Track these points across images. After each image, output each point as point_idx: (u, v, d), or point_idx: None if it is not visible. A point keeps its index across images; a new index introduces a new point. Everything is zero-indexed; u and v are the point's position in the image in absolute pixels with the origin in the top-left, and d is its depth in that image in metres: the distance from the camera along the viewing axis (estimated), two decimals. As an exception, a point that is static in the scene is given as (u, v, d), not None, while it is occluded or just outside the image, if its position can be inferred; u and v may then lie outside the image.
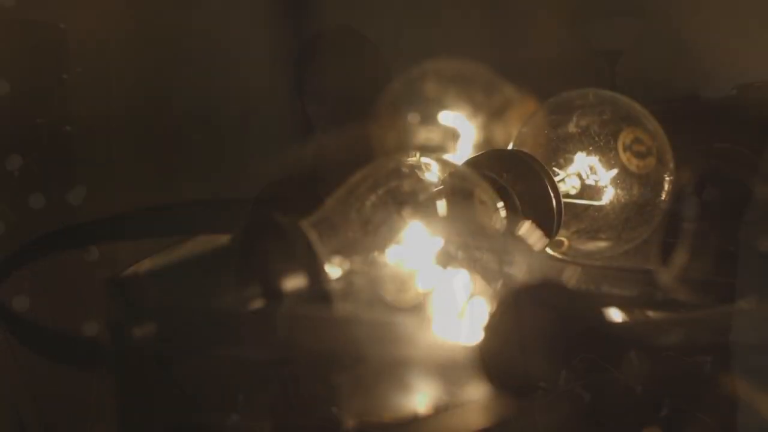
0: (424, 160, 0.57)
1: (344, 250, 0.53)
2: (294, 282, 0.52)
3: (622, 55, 0.85)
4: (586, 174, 0.63)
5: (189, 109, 1.12)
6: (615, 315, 0.59)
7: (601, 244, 0.63)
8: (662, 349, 0.53)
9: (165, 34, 1.15)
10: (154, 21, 1.14)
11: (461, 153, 0.76)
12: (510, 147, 0.65)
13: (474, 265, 0.55)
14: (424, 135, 0.77)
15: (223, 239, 0.55)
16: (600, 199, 0.63)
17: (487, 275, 0.54)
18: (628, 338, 0.53)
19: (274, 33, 1.16)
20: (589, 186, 0.63)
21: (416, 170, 0.56)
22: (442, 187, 0.56)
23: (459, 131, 0.77)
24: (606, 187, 0.63)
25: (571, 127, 0.63)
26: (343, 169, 0.57)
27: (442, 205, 0.55)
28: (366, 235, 0.54)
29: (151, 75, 1.13)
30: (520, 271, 0.54)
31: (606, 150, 0.63)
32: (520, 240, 0.56)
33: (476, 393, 0.52)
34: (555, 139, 0.63)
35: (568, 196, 0.62)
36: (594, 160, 0.63)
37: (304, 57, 1.08)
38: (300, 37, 1.16)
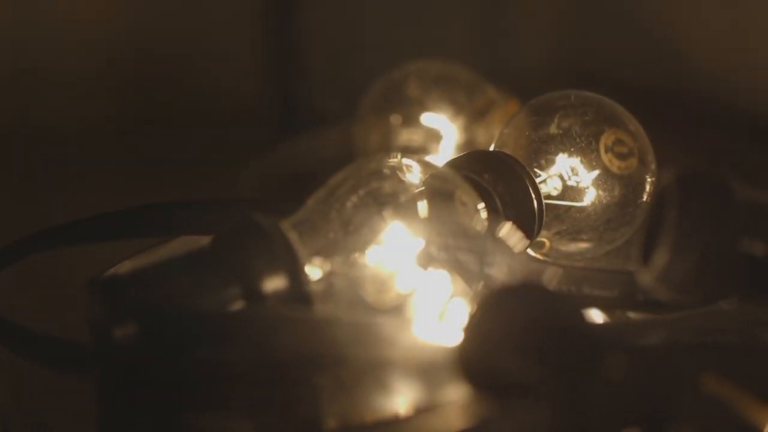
0: (406, 161, 0.57)
1: (325, 251, 0.53)
2: (274, 283, 0.52)
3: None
4: (568, 175, 0.63)
5: (173, 109, 1.12)
6: (596, 316, 0.59)
7: (583, 246, 0.64)
8: (644, 350, 0.53)
9: (152, 34, 1.15)
10: (139, 20, 1.14)
11: (443, 154, 0.76)
12: (491, 148, 0.65)
13: (455, 266, 0.55)
14: (406, 136, 0.77)
15: (205, 240, 0.55)
16: (581, 200, 0.63)
17: (467, 276, 0.54)
18: (609, 339, 0.53)
19: (263, 30, 1.17)
20: (571, 187, 0.63)
21: (397, 171, 0.56)
22: (423, 188, 0.56)
23: (441, 132, 0.77)
24: (587, 188, 0.63)
25: (553, 129, 0.63)
26: (326, 169, 0.57)
27: (423, 207, 0.55)
28: (346, 236, 0.54)
29: (139, 74, 1.13)
30: (500, 272, 0.54)
31: (588, 151, 0.63)
32: (501, 241, 0.56)
33: (457, 394, 0.52)
34: (536, 141, 0.63)
35: (549, 197, 0.62)
36: (575, 161, 0.63)
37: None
38: (290, 34, 1.17)
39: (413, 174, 0.56)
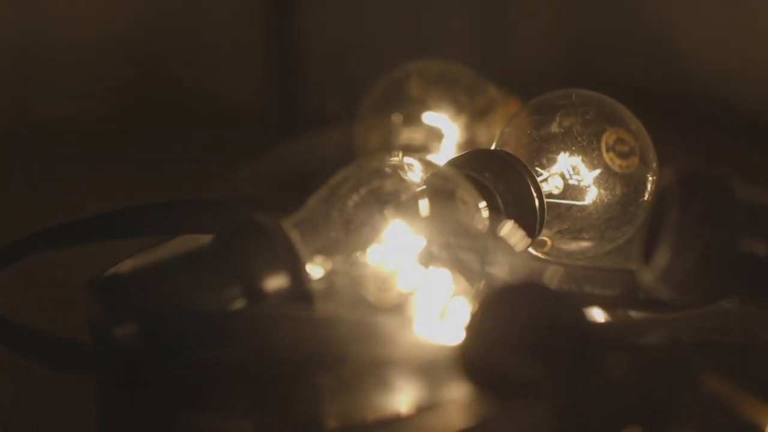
0: (407, 160, 0.57)
1: (326, 250, 0.53)
2: (275, 282, 0.52)
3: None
4: (569, 174, 0.63)
5: (174, 107, 1.12)
6: (597, 315, 0.59)
7: (584, 244, 0.64)
8: (645, 350, 0.53)
9: (152, 34, 1.15)
10: (139, 20, 1.14)
11: (445, 153, 0.76)
12: (493, 147, 0.65)
13: (456, 264, 0.55)
14: (407, 135, 0.77)
15: (206, 239, 0.54)
16: (583, 199, 0.63)
17: (469, 275, 0.54)
18: (610, 338, 0.53)
19: (263, 30, 1.17)
20: (572, 186, 0.63)
21: (399, 170, 0.56)
22: (424, 187, 0.56)
23: (443, 131, 0.77)
24: (589, 187, 0.63)
25: (554, 128, 0.63)
26: (326, 169, 0.57)
27: (424, 205, 0.55)
28: (348, 234, 0.54)
29: (138, 72, 1.13)
30: (502, 270, 0.54)
31: (589, 150, 0.63)
32: (503, 240, 0.56)
33: (458, 393, 0.52)
34: (538, 139, 0.63)
35: (550, 196, 0.62)
36: (577, 160, 0.63)
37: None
38: (290, 34, 1.17)
39: (414, 173, 0.56)
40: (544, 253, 0.64)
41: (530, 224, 0.60)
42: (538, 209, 0.60)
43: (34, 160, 1.01)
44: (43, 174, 0.97)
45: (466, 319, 0.52)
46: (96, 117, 1.11)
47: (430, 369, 0.53)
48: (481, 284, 0.54)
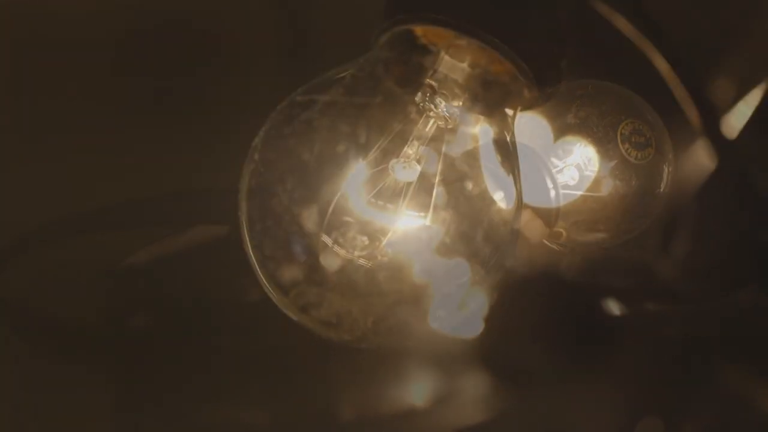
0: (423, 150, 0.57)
1: (341, 238, 0.53)
2: (291, 271, 0.52)
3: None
4: (585, 165, 0.63)
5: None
6: (614, 306, 0.59)
7: (600, 235, 0.64)
8: (662, 341, 0.53)
9: (159, 15, 1.14)
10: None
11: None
12: (508, 138, 0.65)
13: (473, 255, 0.55)
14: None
15: (220, 229, 0.54)
16: (599, 190, 0.63)
17: (486, 266, 0.54)
18: (627, 329, 0.53)
19: (273, 13, 1.16)
20: (588, 177, 0.63)
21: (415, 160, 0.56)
22: (441, 176, 0.56)
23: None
24: (605, 178, 0.63)
25: (570, 118, 0.63)
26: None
27: (441, 195, 0.55)
28: (364, 223, 0.54)
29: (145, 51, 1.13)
30: (519, 262, 0.54)
31: (605, 141, 0.63)
32: (519, 231, 0.56)
33: (475, 385, 0.52)
34: (554, 130, 0.63)
35: (566, 187, 0.62)
36: (593, 151, 0.63)
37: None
38: (298, 16, 1.16)
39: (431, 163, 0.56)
40: (560, 244, 0.64)
41: (546, 215, 0.60)
42: (554, 200, 0.60)
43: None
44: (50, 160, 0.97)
45: (483, 310, 0.52)
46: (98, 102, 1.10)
47: (447, 360, 0.53)
48: (498, 275, 0.54)
